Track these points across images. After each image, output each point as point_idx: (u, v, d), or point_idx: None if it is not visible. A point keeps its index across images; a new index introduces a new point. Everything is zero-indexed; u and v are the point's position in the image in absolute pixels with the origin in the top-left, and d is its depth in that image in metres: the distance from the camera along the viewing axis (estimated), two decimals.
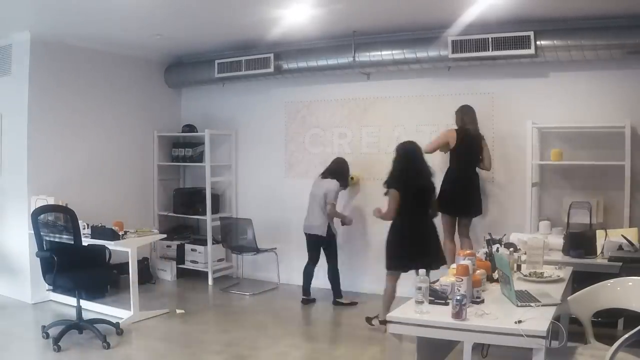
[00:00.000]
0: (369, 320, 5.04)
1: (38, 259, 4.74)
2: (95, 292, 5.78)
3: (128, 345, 4.63)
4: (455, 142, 5.37)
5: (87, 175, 6.22)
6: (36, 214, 4.71)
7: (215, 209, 6.99)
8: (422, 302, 2.74)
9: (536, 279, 3.39)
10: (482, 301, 2.81)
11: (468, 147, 5.37)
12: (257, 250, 6.38)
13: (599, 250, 4.15)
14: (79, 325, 4.74)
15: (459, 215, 5.46)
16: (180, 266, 7.01)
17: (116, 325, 4.84)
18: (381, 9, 5.06)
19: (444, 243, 5.44)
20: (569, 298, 3.06)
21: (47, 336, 4.63)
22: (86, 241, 5.02)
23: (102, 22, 5.35)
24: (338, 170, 5.87)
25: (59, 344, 4.44)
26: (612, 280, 3.12)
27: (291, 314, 5.61)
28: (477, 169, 5.48)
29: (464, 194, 5.38)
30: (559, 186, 5.44)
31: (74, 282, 4.74)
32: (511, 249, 3.99)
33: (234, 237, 6.69)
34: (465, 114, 5.42)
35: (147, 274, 6.77)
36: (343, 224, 5.99)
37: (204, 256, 6.86)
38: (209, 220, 6.82)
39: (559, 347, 2.76)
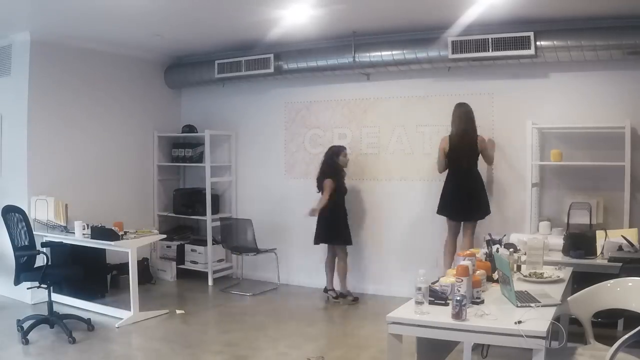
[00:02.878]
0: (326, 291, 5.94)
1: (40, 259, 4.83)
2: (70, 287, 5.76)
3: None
4: (447, 147, 5.38)
5: (87, 175, 6.22)
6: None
7: (215, 210, 6.99)
8: (422, 303, 2.74)
9: (536, 280, 3.39)
10: (482, 302, 2.81)
11: (458, 149, 5.33)
12: (257, 251, 6.38)
13: (598, 251, 4.15)
14: (49, 320, 4.87)
15: (456, 219, 5.44)
16: (180, 266, 7.01)
17: (87, 321, 4.95)
18: (381, 9, 5.07)
19: (445, 245, 5.46)
20: (568, 298, 3.05)
21: (22, 329, 4.75)
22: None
23: (102, 22, 5.36)
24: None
25: (27, 337, 4.63)
26: (612, 281, 3.12)
27: (291, 314, 5.61)
28: (478, 169, 5.41)
29: (460, 197, 5.33)
30: (559, 187, 5.44)
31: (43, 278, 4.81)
32: (511, 250, 3.99)
33: (234, 237, 6.70)
34: (455, 114, 5.38)
35: (147, 275, 6.77)
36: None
37: (204, 256, 6.86)
38: (209, 221, 6.82)
39: (559, 347, 2.76)
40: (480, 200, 5.36)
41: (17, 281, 4.84)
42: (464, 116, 5.33)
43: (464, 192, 5.33)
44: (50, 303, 4.91)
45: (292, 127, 6.78)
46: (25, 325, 4.79)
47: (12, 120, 5.96)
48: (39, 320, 4.86)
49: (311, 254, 6.52)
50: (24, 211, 5.08)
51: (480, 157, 5.40)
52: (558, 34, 5.09)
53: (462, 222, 5.44)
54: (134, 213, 6.57)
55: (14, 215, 4.99)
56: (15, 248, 4.90)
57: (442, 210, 5.46)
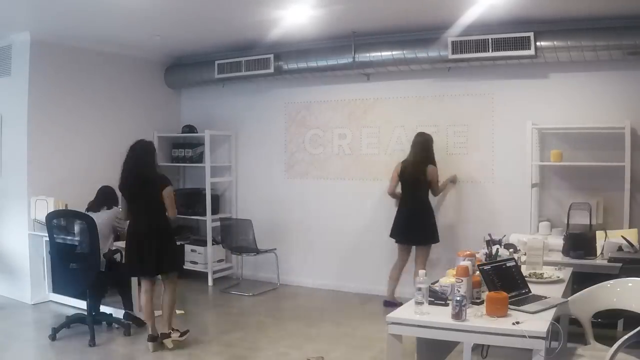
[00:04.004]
0: None
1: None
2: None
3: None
4: (397, 173, 5.64)
5: (87, 175, 6.21)
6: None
7: (215, 210, 6.99)
8: (422, 303, 2.74)
9: (536, 280, 3.39)
10: (482, 302, 2.81)
11: (406, 176, 5.58)
12: (257, 251, 6.38)
13: (598, 251, 4.15)
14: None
15: (400, 243, 5.64)
16: None
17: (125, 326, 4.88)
18: (381, 9, 5.07)
19: (391, 269, 5.70)
20: (568, 299, 3.05)
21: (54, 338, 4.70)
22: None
23: (102, 22, 5.36)
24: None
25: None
26: (611, 281, 3.12)
27: (291, 315, 5.61)
28: (426, 197, 5.58)
29: (405, 222, 5.57)
30: (559, 187, 5.44)
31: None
32: (511, 250, 4.00)
33: (234, 237, 6.69)
34: (413, 141, 5.63)
35: None
36: None
37: (204, 257, 6.85)
38: (209, 221, 6.82)
39: (559, 348, 2.76)
40: (423, 225, 5.54)
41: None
42: (418, 146, 5.57)
43: (406, 217, 5.57)
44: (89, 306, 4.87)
45: (292, 128, 6.78)
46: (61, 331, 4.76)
47: (12, 120, 5.96)
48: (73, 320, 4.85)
49: (311, 254, 6.54)
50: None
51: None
52: (558, 35, 5.10)
53: (412, 247, 5.63)
54: None
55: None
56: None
57: (391, 232, 5.69)
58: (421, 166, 5.51)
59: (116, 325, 4.99)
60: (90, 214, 5.05)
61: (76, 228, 4.71)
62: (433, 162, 5.57)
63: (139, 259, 4.44)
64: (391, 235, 5.67)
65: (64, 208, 5.43)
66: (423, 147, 5.56)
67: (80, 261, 4.71)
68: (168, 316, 4.59)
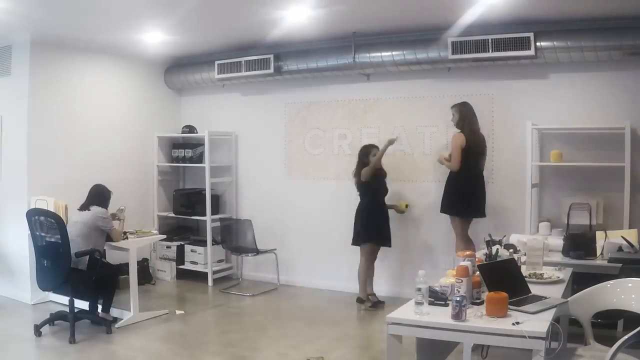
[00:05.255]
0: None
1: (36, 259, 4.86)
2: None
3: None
4: (465, 143, 5.18)
5: (87, 175, 6.21)
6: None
7: (215, 210, 6.99)
8: (421, 303, 2.74)
9: (536, 280, 3.39)
10: (482, 302, 2.81)
11: (476, 147, 5.25)
12: (257, 251, 6.38)
13: (598, 252, 4.15)
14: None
15: (477, 216, 5.34)
16: (180, 267, 7.01)
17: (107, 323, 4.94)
18: (381, 10, 5.07)
19: (457, 247, 5.25)
20: (568, 299, 3.05)
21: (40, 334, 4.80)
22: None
23: (102, 22, 5.36)
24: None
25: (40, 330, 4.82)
26: (611, 282, 3.12)
27: (291, 315, 5.61)
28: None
29: (481, 193, 5.31)
30: (559, 187, 5.44)
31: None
32: (511, 250, 3.99)
33: (234, 237, 6.70)
34: (470, 112, 5.27)
35: (146, 275, 6.77)
36: None
37: (204, 257, 6.85)
38: (209, 221, 6.82)
39: (559, 348, 2.76)
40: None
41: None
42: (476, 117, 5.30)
43: (481, 188, 5.33)
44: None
45: (292, 128, 6.78)
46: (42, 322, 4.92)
47: (12, 120, 5.96)
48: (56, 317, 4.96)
49: (311, 254, 6.54)
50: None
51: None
52: (558, 35, 5.10)
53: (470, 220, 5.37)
54: (133, 213, 6.56)
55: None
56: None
57: (457, 209, 5.32)
58: (484, 138, 5.34)
59: (99, 324, 5.03)
60: (76, 212, 5.09)
61: (47, 226, 4.72)
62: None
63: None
64: (465, 213, 5.31)
65: (64, 208, 5.43)
66: (476, 118, 5.28)
67: (51, 258, 4.74)
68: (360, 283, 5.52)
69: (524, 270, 3.56)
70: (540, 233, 5.04)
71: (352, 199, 6.25)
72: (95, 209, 5.04)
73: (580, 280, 3.71)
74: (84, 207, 5.10)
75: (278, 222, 6.79)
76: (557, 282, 3.40)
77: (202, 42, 6.44)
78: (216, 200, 7.06)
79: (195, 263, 6.94)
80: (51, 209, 5.31)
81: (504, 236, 4.28)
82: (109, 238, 5.12)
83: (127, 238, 5.33)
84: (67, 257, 4.67)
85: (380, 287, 5.94)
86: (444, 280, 3.00)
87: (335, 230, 6.43)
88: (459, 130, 5.24)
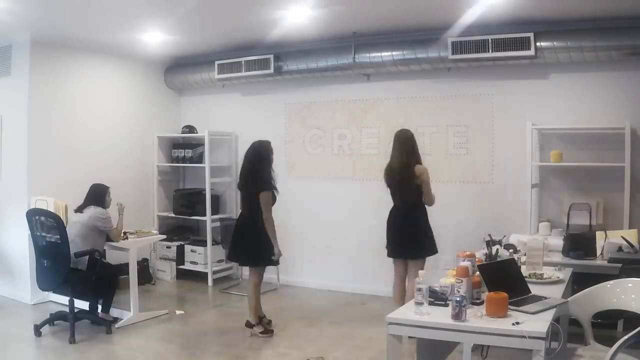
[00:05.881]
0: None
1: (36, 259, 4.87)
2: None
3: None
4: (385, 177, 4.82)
5: (87, 175, 6.21)
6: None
7: (215, 210, 6.99)
8: (422, 304, 2.74)
9: (536, 280, 3.39)
10: (482, 302, 2.81)
11: (390, 181, 4.78)
12: None
13: (598, 252, 4.15)
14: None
15: (391, 256, 4.86)
16: (179, 267, 7.01)
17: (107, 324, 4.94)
18: (381, 10, 5.07)
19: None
20: (568, 299, 3.05)
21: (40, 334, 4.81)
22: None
23: (102, 22, 5.36)
24: None
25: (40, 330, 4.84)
26: (611, 282, 3.12)
27: (291, 315, 5.61)
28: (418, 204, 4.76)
29: (392, 233, 4.80)
30: (559, 187, 5.44)
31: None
32: (511, 250, 4.00)
33: None
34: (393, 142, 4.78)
35: (146, 275, 6.77)
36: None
37: (204, 257, 6.85)
38: (209, 221, 6.82)
39: (559, 348, 2.76)
40: (414, 237, 4.73)
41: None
42: (403, 145, 4.71)
43: (395, 227, 4.81)
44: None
45: (292, 128, 6.78)
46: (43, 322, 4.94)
47: (12, 120, 5.96)
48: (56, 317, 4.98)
49: (311, 254, 6.53)
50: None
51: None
52: (558, 35, 5.10)
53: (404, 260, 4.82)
54: (133, 213, 6.55)
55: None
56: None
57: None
58: (407, 167, 4.67)
59: (99, 324, 5.04)
60: (75, 213, 5.08)
61: (47, 226, 4.73)
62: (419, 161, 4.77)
63: (231, 245, 5.06)
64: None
65: (64, 208, 5.43)
66: (401, 147, 4.72)
67: (50, 259, 4.74)
68: (250, 307, 4.99)
69: (524, 271, 3.57)
70: (540, 233, 5.04)
71: (352, 198, 6.26)
72: (94, 210, 5.04)
73: (580, 281, 3.71)
74: (80, 208, 5.09)
75: (278, 222, 6.72)
76: (557, 282, 3.40)
77: (202, 42, 6.44)
78: (216, 200, 7.06)
79: (195, 263, 6.94)
80: (51, 209, 5.31)
81: (504, 236, 4.28)
82: (108, 238, 5.12)
83: (127, 238, 5.34)
84: (67, 257, 4.67)
85: (381, 287, 5.94)
86: (444, 280, 3.01)
87: (335, 230, 6.43)
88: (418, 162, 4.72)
